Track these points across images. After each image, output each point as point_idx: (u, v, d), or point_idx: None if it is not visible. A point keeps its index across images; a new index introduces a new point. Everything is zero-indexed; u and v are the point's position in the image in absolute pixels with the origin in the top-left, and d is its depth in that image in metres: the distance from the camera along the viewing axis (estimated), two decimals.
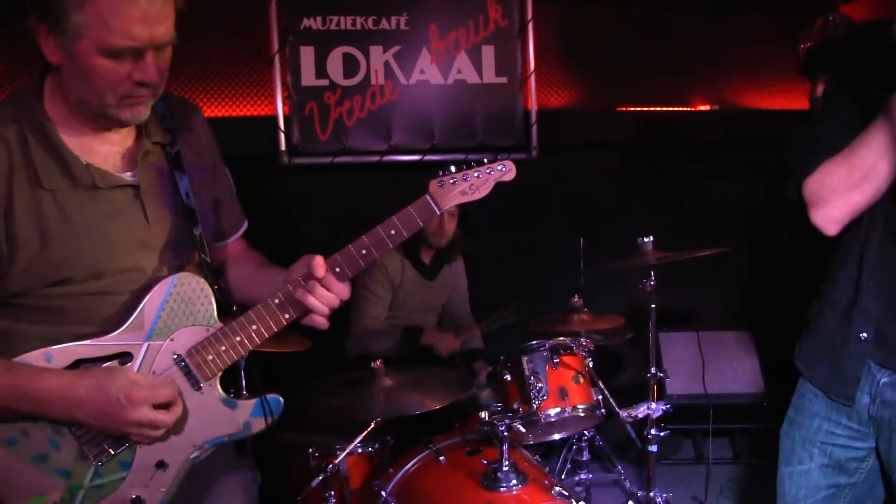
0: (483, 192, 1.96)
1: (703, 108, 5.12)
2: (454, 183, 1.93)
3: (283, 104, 4.32)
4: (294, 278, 1.85)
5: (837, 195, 1.92)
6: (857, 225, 1.98)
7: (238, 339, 1.83)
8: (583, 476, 3.76)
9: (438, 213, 1.92)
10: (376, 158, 4.50)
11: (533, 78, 4.66)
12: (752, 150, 4.96)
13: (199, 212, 1.91)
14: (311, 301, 1.81)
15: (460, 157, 4.50)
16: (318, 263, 1.81)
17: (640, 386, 3.38)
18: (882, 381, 1.94)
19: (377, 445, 3.19)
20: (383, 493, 2.94)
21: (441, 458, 2.96)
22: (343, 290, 1.85)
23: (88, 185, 1.74)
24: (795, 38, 5.06)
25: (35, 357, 1.70)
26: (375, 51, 4.44)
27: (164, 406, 1.74)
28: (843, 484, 2.07)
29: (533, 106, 4.68)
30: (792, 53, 5.07)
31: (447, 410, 3.04)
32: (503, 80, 4.65)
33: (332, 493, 2.88)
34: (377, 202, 4.28)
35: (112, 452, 1.76)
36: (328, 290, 1.82)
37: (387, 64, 4.47)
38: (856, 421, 2.01)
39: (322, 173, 4.40)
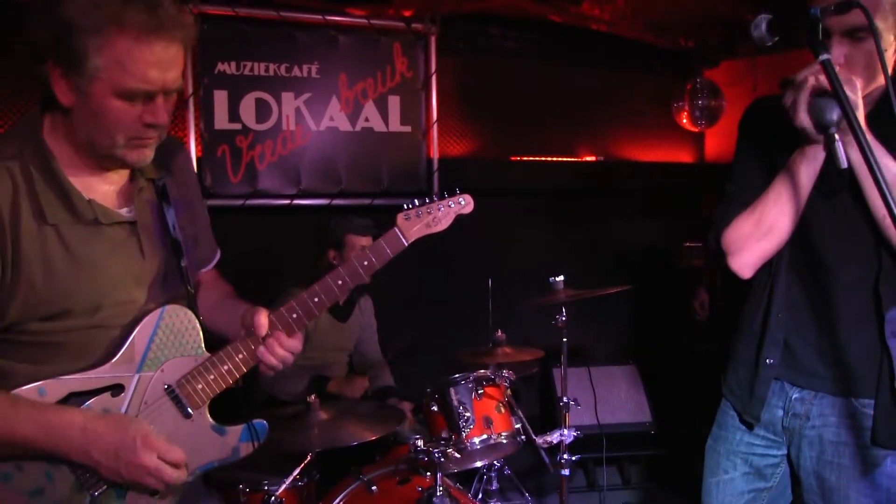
0: (444, 225, 2.12)
1: (588, 158, 5.52)
2: (419, 216, 2.08)
3: (196, 146, 4.35)
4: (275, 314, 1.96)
5: (748, 245, 2.20)
6: (766, 267, 2.27)
7: (226, 368, 1.91)
8: None
9: (406, 244, 2.06)
10: (286, 202, 4.59)
11: (435, 128, 4.89)
12: (632, 197, 5.40)
13: (184, 245, 1.97)
14: (263, 365, 1.95)
15: (367, 201, 4.71)
16: (261, 324, 1.92)
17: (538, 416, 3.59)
18: (794, 396, 2.23)
19: (306, 480, 3.23)
20: None
21: (373, 487, 3.08)
22: (295, 344, 1.97)
23: (90, 220, 1.78)
24: (669, 98, 5.57)
25: (28, 392, 1.72)
26: (287, 97, 4.56)
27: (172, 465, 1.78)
28: (761, 488, 2.33)
29: (435, 154, 4.91)
30: (666, 111, 5.59)
31: (368, 444, 3.16)
32: (407, 128, 4.86)
33: None
34: (288, 244, 4.39)
35: (108, 483, 1.78)
36: (280, 346, 1.94)
37: (298, 110, 4.59)
38: (771, 432, 2.28)
39: (234, 215, 4.45)
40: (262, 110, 4.52)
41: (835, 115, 1.87)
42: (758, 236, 2.17)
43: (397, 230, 2.06)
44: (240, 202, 4.48)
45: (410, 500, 2.96)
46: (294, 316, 1.96)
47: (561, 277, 3.58)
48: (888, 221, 1.97)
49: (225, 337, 1.96)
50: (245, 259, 4.37)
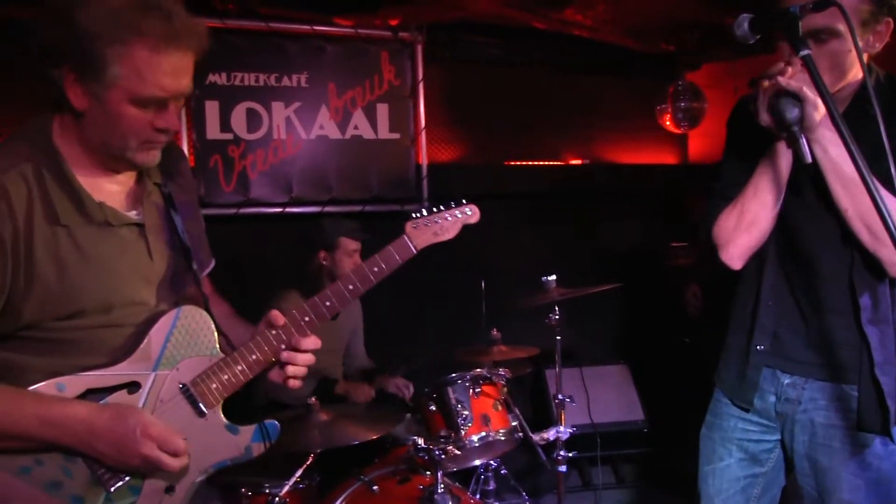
0: (452, 234, 2.19)
1: (574, 162, 5.60)
2: (427, 225, 2.14)
3: (189, 156, 4.39)
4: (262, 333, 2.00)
5: (734, 238, 2.29)
6: (755, 258, 2.35)
7: (240, 368, 1.95)
8: None
9: (415, 251, 2.12)
10: (278, 210, 4.64)
11: (423, 134, 4.96)
12: (618, 198, 5.49)
13: (192, 249, 2.03)
14: (291, 369, 2.01)
15: (357, 208, 4.77)
16: (277, 315, 2.00)
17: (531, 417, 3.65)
18: (785, 382, 2.31)
19: (307, 482, 3.26)
20: None
21: (374, 487, 3.13)
22: (314, 342, 2.03)
23: (101, 222, 1.83)
24: (652, 101, 5.67)
25: (47, 387, 1.76)
26: (277, 106, 4.61)
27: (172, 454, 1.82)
28: (757, 473, 2.40)
29: (424, 160, 4.98)
30: (649, 114, 5.68)
31: (366, 447, 3.21)
32: (396, 136, 4.92)
33: None
34: (280, 251, 4.44)
35: (124, 479, 1.82)
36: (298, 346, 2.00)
37: (288, 119, 4.64)
38: (766, 417, 2.36)
39: (226, 224, 4.49)
40: (253, 120, 4.57)
41: (793, 113, 1.97)
42: (741, 229, 2.27)
43: (406, 238, 2.11)
44: (233, 211, 4.52)
45: (412, 499, 3.02)
46: (306, 319, 2.01)
47: (553, 277, 3.65)
48: (850, 214, 2.08)
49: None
50: (239, 266, 4.44)
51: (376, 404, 3.92)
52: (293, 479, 2.98)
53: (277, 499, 2.91)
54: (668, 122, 5.69)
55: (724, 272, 2.38)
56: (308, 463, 3.04)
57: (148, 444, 1.77)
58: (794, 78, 1.97)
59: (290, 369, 2.01)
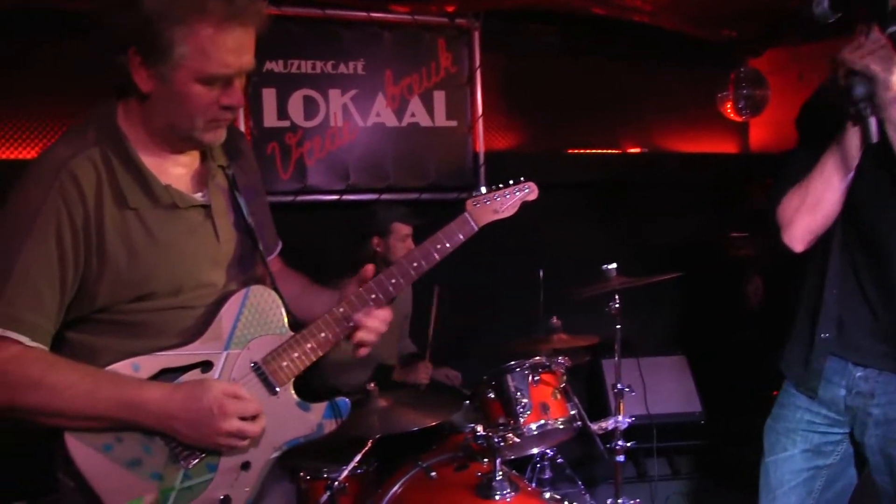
0: (511, 211, 2.21)
1: (633, 150, 5.53)
2: (487, 202, 2.17)
3: None
4: (352, 292, 2.03)
5: (797, 218, 2.25)
6: (821, 244, 2.29)
7: (309, 345, 1.97)
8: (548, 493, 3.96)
9: (476, 228, 2.14)
10: (335, 197, 4.65)
11: (480, 122, 4.93)
12: (677, 188, 5.41)
13: (256, 231, 2.04)
14: (361, 335, 2.02)
15: (414, 196, 4.75)
16: (370, 269, 2.04)
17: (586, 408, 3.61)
18: (857, 374, 2.25)
19: (365, 467, 3.27)
20: None
21: (432, 473, 3.12)
22: (386, 314, 2.05)
23: (168, 204, 1.84)
24: (713, 88, 5.57)
25: (123, 367, 1.78)
26: (334, 93, 4.61)
27: (250, 419, 1.85)
28: (820, 466, 2.35)
29: (481, 148, 4.94)
30: (710, 101, 5.58)
31: (424, 433, 3.21)
32: (453, 123, 4.90)
33: None
34: (337, 239, 4.44)
35: (200, 455, 1.85)
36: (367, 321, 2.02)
37: (345, 106, 4.64)
38: (834, 410, 2.30)
39: (284, 211, 4.52)
40: (310, 107, 4.58)
41: (860, 91, 1.92)
42: (805, 209, 2.22)
43: (467, 215, 2.13)
44: (290, 198, 4.54)
45: (470, 486, 2.99)
46: (373, 297, 2.02)
47: (613, 265, 3.60)
48: None
49: (307, 322, 2.01)
50: (296, 254, 4.44)
51: (434, 391, 3.90)
52: (352, 465, 2.97)
53: (336, 483, 2.91)
54: (729, 110, 5.59)
55: (787, 263, 2.33)
56: (367, 448, 3.04)
57: (228, 419, 1.79)
58: (870, 56, 1.92)
59: (360, 334, 2.02)
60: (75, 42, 3.60)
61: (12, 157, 4.03)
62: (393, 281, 2.03)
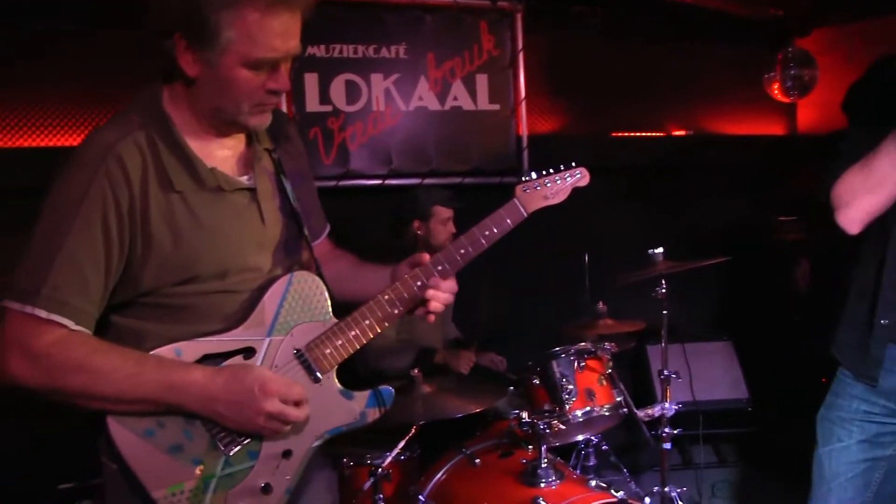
0: (562, 197, 2.15)
1: (678, 133, 5.44)
2: (538, 188, 2.12)
3: None
4: (402, 275, 2.00)
5: (855, 199, 2.17)
6: (879, 226, 2.22)
7: (353, 333, 1.94)
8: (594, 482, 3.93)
9: (525, 215, 2.09)
10: (378, 181, 4.64)
11: (524, 105, 4.87)
12: (723, 170, 5.31)
13: (302, 215, 2.03)
14: (432, 304, 1.99)
15: (457, 180, 4.71)
16: (423, 256, 2.01)
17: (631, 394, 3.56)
18: None
19: (408, 454, 3.26)
20: (421, 497, 3.05)
21: (476, 460, 3.10)
22: (452, 285, 2.01)
23: (213, 187, 1.84)
24: (760, 69, 5.44)
25: (166, 352, 1.78)
26: (376, 78, 4.59)
27: (293, 405, 1.83)
28: (878, 457, 2.29)
29: (524, 132, 4.89)
30: (757, 83, 5.46)
31: (467, 420, 3.18)
32: (496, 107, 4.85)
33: (381, 496, 2.97)
34: (380, 224, 4.43)
35: (242, 442, 1.84)
36: (436, 287, 1.98)
37: (387, 90, 4.62)
38: (893, 401, 2.24)
39: (327, 196, 4.49)
40: (352, 92, 4.56)
41: None
42: (867, 189, 2.14)
43: (517, 201, 2.09)
44: (332, 183, 4.53)
45: (514, 472, 2.97)
46: (418, 283, 2.00)
47: (660, 249, 3.55)
48: None
49: (359, 302, 1.99)
50: (339, 239, 4.44)
51: (478, 378, 3.88)
52: (395, 451, 2.96)
53: (380, 470, 2.90)
54: (776, 91, 5.46)
55: (838, 246, 2.25)
56: (410, 435, 3.03)
57: (269, 400, 1.77)
58: None
59: (429, 303, 2.00)
60: (121, 27, 3.62)
61: (58, 144, 4.08)
62: (439, 268, 2.01)
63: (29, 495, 3.68)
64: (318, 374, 1.92)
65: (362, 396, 1.98)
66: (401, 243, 4.07)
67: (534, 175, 2.13)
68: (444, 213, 3.99)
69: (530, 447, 3.09)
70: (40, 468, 3.68)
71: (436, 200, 4.01)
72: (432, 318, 2.02)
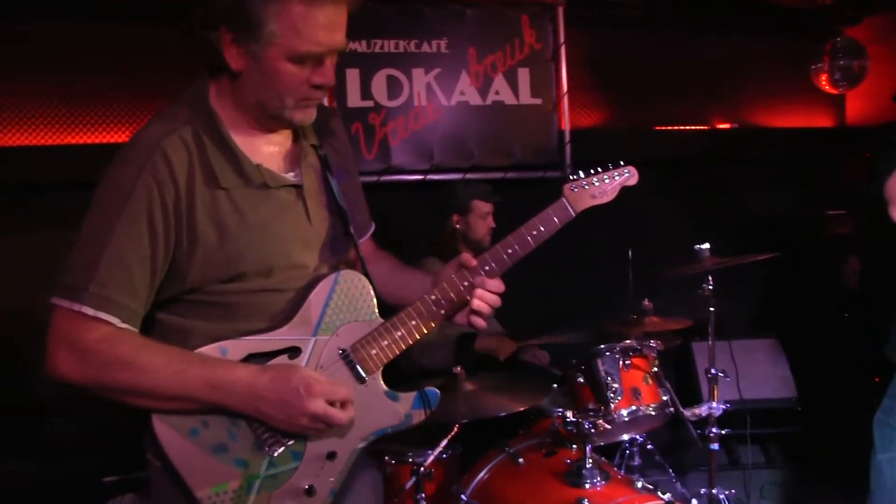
0: (610, 196, 2.11)
1: (722, 126, 5.34)
2: (586, 187, 2.08)
3: None
4: (448, 276, 1.97)
5: None
6: None
7: (399, 334, 1.91)
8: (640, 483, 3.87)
9: (574, 214, 2.05)
10: (420, 177, 4.63)
11: (566, 99, 4.83)
12: (769, 164, 5.20)
13: (349, 212, 2.01)
14: (477, 303, 1.94)
15: (499, 175, 4.69)
16: (469, 257, 1.96)
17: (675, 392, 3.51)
18: None
19: (450, 452, 3.23)
20: (463, 497, 3.02)
21: (520, 459, 3.06)
22: (498, 285, 1.97)
23: (259, 184, 1.82)
24: (807, 60, 5.32)
25: (211, 350, 1.77)
26: (418, 73, 4.59)
27: (339, 406, 1.80)
28: None
29: (566, 126, 4.85)
30: (804, 74, 5.34)
31: (510, 418, 3.14)
32: (538, 101, 4.82)
33: (423, 494, 2.95)
34: (421, 219, 4.41)
35: (286, 443, 1.82)
36: (482, 286, 1.95)
37: (428, 85, 4.61)
38: None
39: (368, 191, 4.48)
40: (394, 87, 4.56)
41: None
42: None
43: (565, 200, 2.05)
44: (374, 178, 4.52)
45: (558, 472, 2.93)
46: (465, 284, 1.96)
47: (706, 245, 3.48)
48: None
49: (401, 305, 1.96)
50: (380, 235, 4.42)
51: (521, 374, 3.84)
52: (438, 449, 2.93)
53: (423, 469, 2.88)
54: (824, 83, 5.34)
55: (889, 241, 2.18)
56: (453, 433, 3.00)
57: (314, 400, 1.75)
58: None
59: (475, 302, 1.95)
60: (168, 24, 3.65)
61: (105, 140, 4.12)
62: (486, 268, 1.97)
63: (74, 488, 3.72)
64: (364, 375, 1.89)
65: (408, 398, 1.95)
66: (441, 238, 4.06)
67: (581, 174, 2.09)
68: (482, 207, 3.98)
69: (574, 446, 3.04)
70: (86, 461, 3.73)
71: (474, 195, 4.00)
72: (482, 322, 1.98)
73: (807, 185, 5.36)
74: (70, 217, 1.87)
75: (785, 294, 5.26)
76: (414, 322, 1.93)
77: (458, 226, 4.00)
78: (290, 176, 1.90)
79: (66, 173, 3.91)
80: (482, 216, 3.98)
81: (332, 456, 1.87)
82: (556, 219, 2.03)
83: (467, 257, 1.97)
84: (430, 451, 2.92)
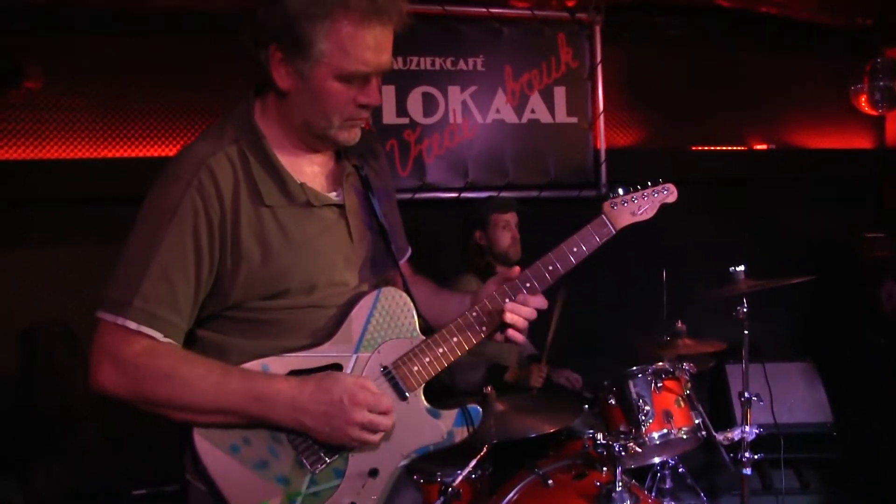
0: (650, 214, 2.11)
1: (759, 147, 5.31)
2: (625, 204, 2.08)
3: None
4: (489, 293, 1.97)
5: None
6: None
7: (441, 350, 1.92)
8: None
9: (614, 232, 2.05)
10: (454, 194, 4.63)
11: (602, 118, 4.83)
12: (807, 185, 5.16)
13: (390, 232, 2.03)
14: (510, 317, 1.93)
15: (534, 193, 4.70)
16: (514, 270, 1.97)
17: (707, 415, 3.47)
18: None
19: (479, 472, 3.20)
20: None
21: (549, 481, 3.04)
22: (539, 301, 1.97)
23: (303, 202, 1.84)
24: (846, 81, 5.28)
25: (253, 367, 1.78)
26: (453, 90, 4.61)
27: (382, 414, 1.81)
28: None
29: (602, 145, 4.85)
30: (843, 95, 5.29)
31: (541, 438, 3.13)
32: (574, 119, 4.82)
33: None
34: (456, 236, 4.42)
35: (327, 460, 1.82)
36: (524, 304, 1.95)
37: (464, 103, 4.63)
38: None
39: (403, 209, 4.50)
40: (429, 104, 4.58)
41: None
42: None
43: (605, 217, 2.05)
44: (408, 196, 4.54)
45: (588, 495, 2.91)
46: (507, 301, 1.96)
47: (742, 267, 3.45)
48: None
49: (435, 329, 1.97)
50: (415, 252, 4.43)
51: (553, 396, 3.83)
52: (467, 469, 2.92)
53: (451, 489, 2.87)
54: (863, 104, 5.28)
55: None
56: (483, 454, 2.98)
57: (359, 410, 1.76)
58: None
59: (509, 317, 1.94)
60: (216, 41, 3.71)
61: (152, 154, 4.18)
62: (528, 285, 1.97)
63: (103, 499, 3.75)
64: (406, 392, 1.90)
65: (450, 415, 1.94)
66: (469, 255, 4.09)
67: (621, 191, 2.09)
68: (502, 219, 4.00)
69: (605, 469, 3.02)
70: (116, 473, 3.76)
71: (491, 209, 4.04)
72: (521, 337, 1.97)
73: (844, 208, 5.30)
74: (109, 230, 1.90)
75: (821, 317, 5.20)
76: (456, 339, 1.94)
77: (481, 242, 4.03)
78: (333, 195, 1.92)
79: (105, 187, 3.97)
80: (503, 227, 4.01)
81: (374, 473, 1.87)
82: (596, 236, 2.03)
83: (510, 272, 1.97)
84: (459, 471, 2.91)
